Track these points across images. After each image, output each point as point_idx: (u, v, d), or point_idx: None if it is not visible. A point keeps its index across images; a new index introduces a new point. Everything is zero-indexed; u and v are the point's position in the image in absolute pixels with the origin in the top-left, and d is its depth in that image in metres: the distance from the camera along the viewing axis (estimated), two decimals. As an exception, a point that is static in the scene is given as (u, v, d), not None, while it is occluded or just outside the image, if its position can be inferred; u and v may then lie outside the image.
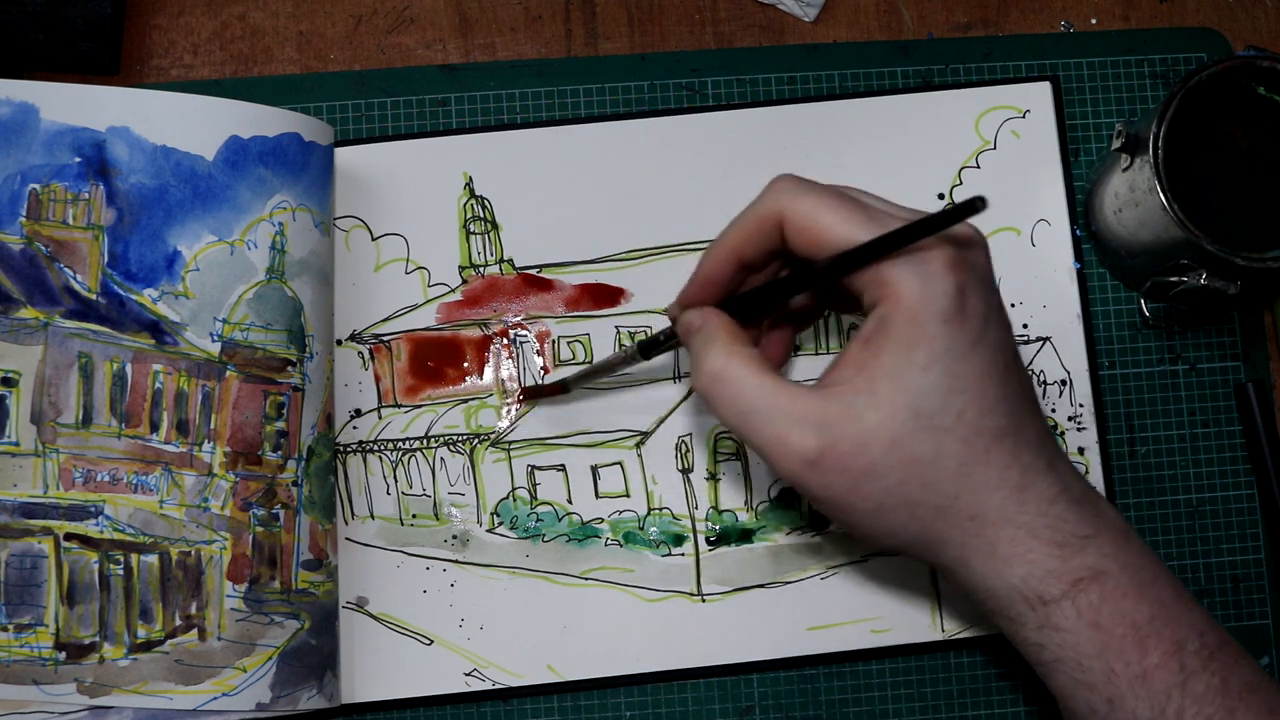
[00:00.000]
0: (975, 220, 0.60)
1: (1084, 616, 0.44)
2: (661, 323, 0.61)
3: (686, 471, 0.60)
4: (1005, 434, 0.44)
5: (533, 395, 0.60)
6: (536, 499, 0.60)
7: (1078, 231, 0.62)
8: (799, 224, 0.45)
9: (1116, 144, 0.57)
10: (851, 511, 0.44)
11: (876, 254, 0.43)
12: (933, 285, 0.43)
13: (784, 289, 0.46)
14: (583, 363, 0.61)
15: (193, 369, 0.55)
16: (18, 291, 0.54)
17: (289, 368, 0.56)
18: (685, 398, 0.60)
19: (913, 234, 0.42)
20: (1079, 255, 0.62)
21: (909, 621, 0.59)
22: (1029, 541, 0.44)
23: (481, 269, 0.61)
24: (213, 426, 0.55)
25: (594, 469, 0.60)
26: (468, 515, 0.60)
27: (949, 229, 0.42)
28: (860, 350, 0.44)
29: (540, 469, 0.60)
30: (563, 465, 0.60)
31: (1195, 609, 0.45)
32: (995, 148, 0.62)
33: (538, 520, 0.60)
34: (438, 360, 0.61)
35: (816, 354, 0.61)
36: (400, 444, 0.60)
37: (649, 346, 0.52)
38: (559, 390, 0.59)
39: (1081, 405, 0.61)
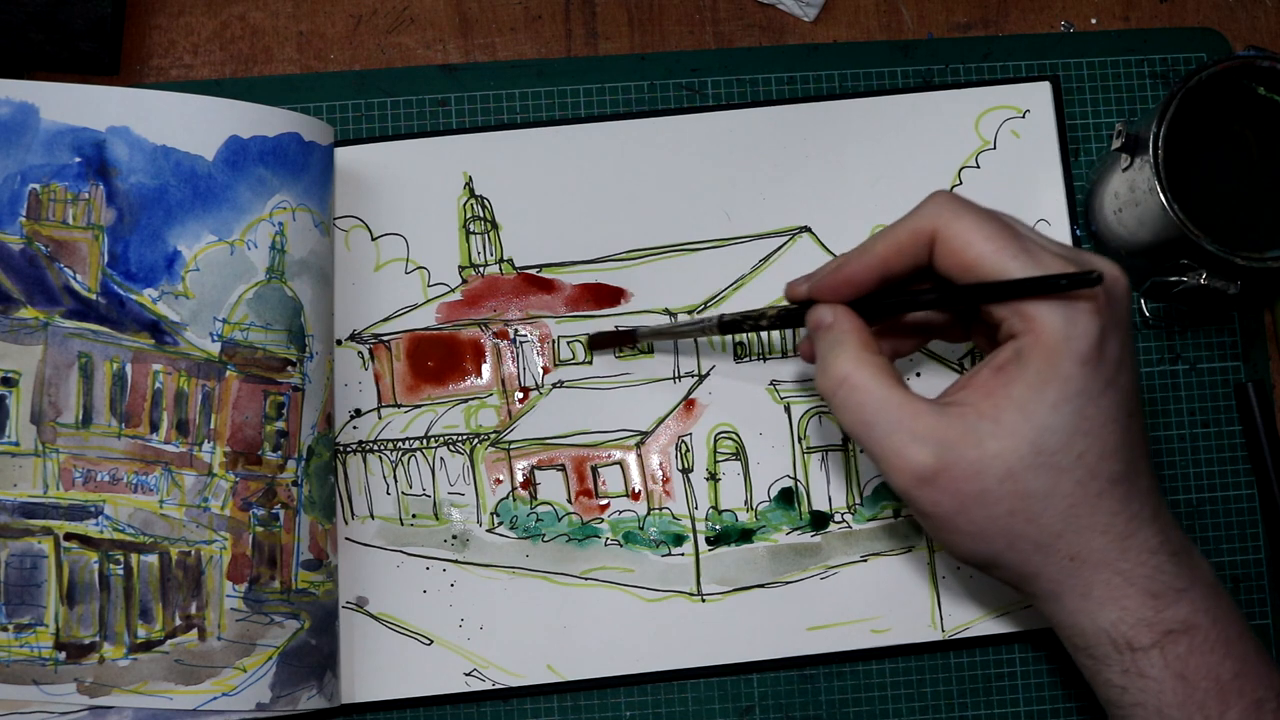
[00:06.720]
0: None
1: (1171, 667, 0.45)
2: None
3: (686, 471, 0.60)
4: (1119, 480, 0.44)
5: (600, 344, 0.59)
6: (536, 499, 0.60)
7: (1078, 231, 0.62)
8: (951, 244, 0.45)
9: (1116, 144, 0.57)
10: (953, 532, 0.45)
11: (1026, 293, 0.43)
12: (1076, 326, 0.43)
13: (923, 301, 0.47)
14: (583, 362, 0.61)
15: (193, 369, 0.55)
16: (18, 291, 0.54)
17: (289, 368, 0.56)
18: (685, 398, 0.60)
19: (1069, 283, 0.42)
20: (1079, 255, 0.62)
21: (909, 621, 0.59)
22: (1125, 588, 0.45)
23: (481, 269, 0.61)
24: (213, 426, 0.55)
25: (594, 469, 0.60)
26: (467, 515, 0.60)
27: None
28: (990, 376, 0.44)
29: (541, 468, 0.60)
30: (563, 465, 0.60)
31: (1274, 668, 0.46)
32: (995, 148, 0.62)
33: (537, 520, 0.60)
34: (438, 360, 0.61)
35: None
36: (400, 444, 0.60)
37: (730, 325, 0.52)
38: (629, 339, 0.58)
39: (1081, 405, 0.61)
